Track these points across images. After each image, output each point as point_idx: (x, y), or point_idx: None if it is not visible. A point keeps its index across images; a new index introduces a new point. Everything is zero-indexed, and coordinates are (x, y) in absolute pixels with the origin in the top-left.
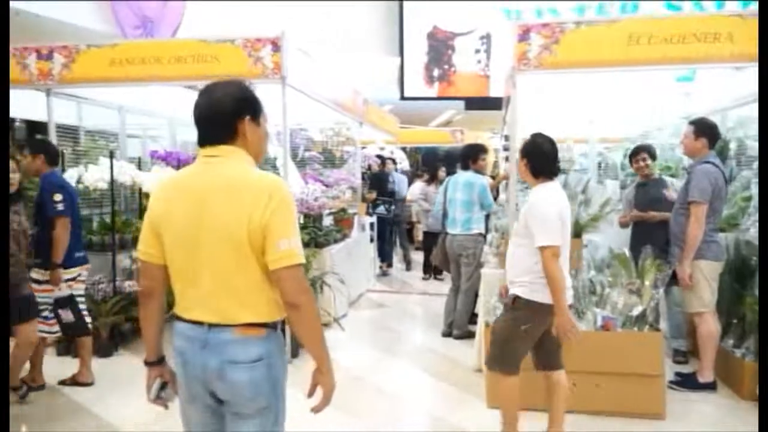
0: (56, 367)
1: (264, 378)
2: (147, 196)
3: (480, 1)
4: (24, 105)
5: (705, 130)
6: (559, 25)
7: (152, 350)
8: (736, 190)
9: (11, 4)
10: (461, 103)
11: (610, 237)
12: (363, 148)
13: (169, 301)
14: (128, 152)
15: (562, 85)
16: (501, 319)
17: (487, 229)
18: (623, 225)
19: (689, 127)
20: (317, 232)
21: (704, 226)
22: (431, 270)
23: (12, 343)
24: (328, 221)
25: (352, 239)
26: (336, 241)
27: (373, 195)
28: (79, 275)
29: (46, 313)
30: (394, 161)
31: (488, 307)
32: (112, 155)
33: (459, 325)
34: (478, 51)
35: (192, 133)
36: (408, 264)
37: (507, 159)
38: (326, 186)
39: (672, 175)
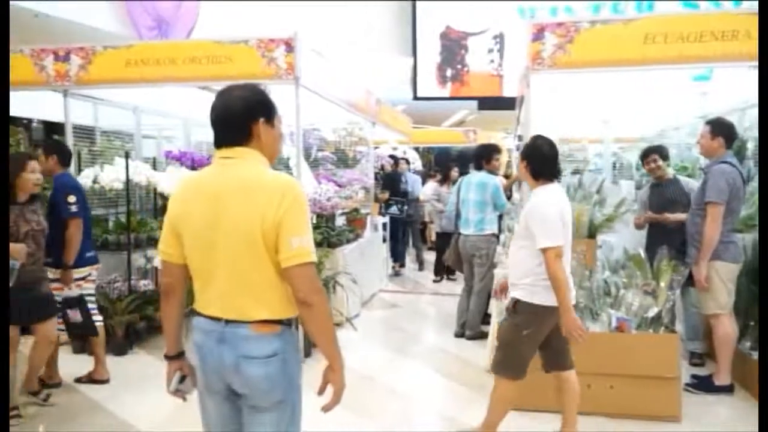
0: (73, 364)
1: (278, 373)
2: (162, 195)
3: (493, 0)
4: (41, 106)
5: (722, 129)
6: (574, 24)
7: (172, 345)
8: (753, 190)
9: (30, 6)
10: (474, 103)
11: (625, 238)
12: (376, 148)
13: (188, 298)
14: (143, 152)
15: (576, 84)
16: (504, 324)
17: (500, 230)
18: (638, 227)
19: (706, 127)
20: (330, 232)
21: (721, 226)
22: (443, 271)
23: (24, 343)
24: (340, 221)
25: (365, 239)
26: (349, 241)
27: (386, 195)
28: (89, 275)
29: None
30: (407, 161)
31: (501, 308)
32: (127, 155)
33: (472, 325)
34: (491, 51)
35: (206, 134)
36: (420, 264)
37: None
38: (339, 186)
39: (689, 175)
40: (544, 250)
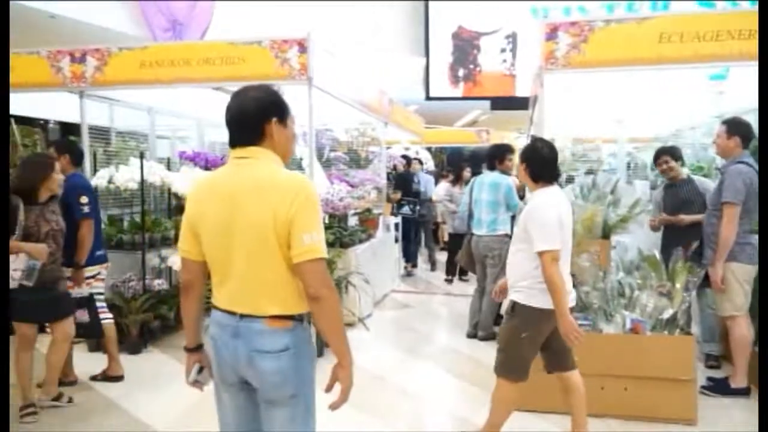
0: (87, 362)
1: (290, 367)
2: (176, 196)
3: (506, 0)
4: (58, 107)
5: (738, 129)
6: (588, 23)
7: (191, 337)
8: None
9: (40, 6)
10: (487, 103)
11: (640, 238)
12: (388, 148)
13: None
14: (158, 153)
15: (590, 84)
16: (503, 327)
17: (512, 230)
18: (654, 229)
19: (722, 127)
20: (342, 232)
21: (737, 227)
22: (454, 271)
23: (40, 341)
24: (353, 221)
25: (377, 239)
26: (361, 242)
27: (398, 195)
28: (99, 273)
29: None
30: (420, 161)
31: None
32: (142, 156)
33: (484, 326)
34: (503, 50)
35: (220, 134)
36: (433, 265)
37: None
38: (351, 186)
39: (704, 175)
40: (540, 254)
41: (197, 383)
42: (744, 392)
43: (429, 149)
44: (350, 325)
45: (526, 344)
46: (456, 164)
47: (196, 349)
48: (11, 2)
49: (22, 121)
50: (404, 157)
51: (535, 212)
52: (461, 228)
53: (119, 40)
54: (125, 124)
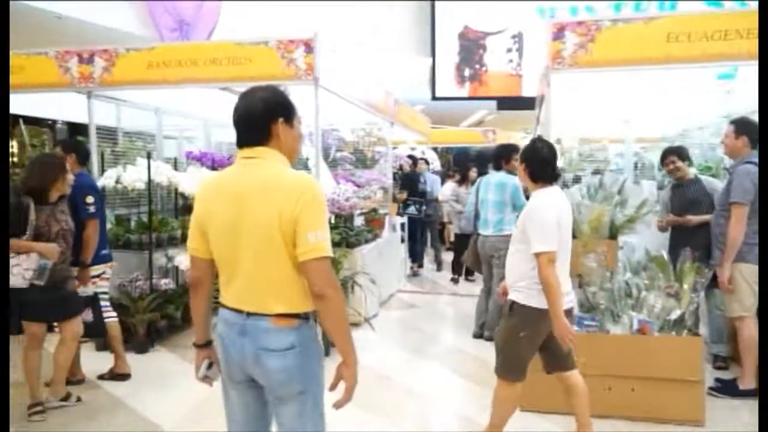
0: (95, 361)
1: (296, 365)
2: (183, 195)
3: (512, 0)
4: (66, 107)
5: (746, 129)
6: (595, 23)
7: (201, 334)
8: None
9: (45, 6)
10: (493, 103)
11: (647, 239)
12: (394, 148)
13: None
14: (165, 153)
15: (597, 84)
16: (502, 326)
17: None
18: (661, 230)
19: (730, 127)
20: (348, 232)
21: (746, 227)
22: (460, 271)
23: (48, 340)
24: (359, 221)
25: (383, 239)
26: (367, 242)
27: (404, 195)
28: (104, 272)
29: None
30: (426, 161)
31: None
32: (149, 156)
33: (491, 326)
34: (510, 50)
35: (226, 134)
36: (439, 264)
37: None
38: (357, 186)
39: (713, 176)
40: (537, 255)
41: (207, 378)
42: (752, 393)
43: (435, 149)
44: (356, 324)
45: (524, 344)
46: (462, 164)
47: (205, 345)
48: (17, 3)
49: (31, 121)
50: (410, 157)
51: (533, 213)
52: (467, 228)
53: (126, 40)
54: (133, 125)
